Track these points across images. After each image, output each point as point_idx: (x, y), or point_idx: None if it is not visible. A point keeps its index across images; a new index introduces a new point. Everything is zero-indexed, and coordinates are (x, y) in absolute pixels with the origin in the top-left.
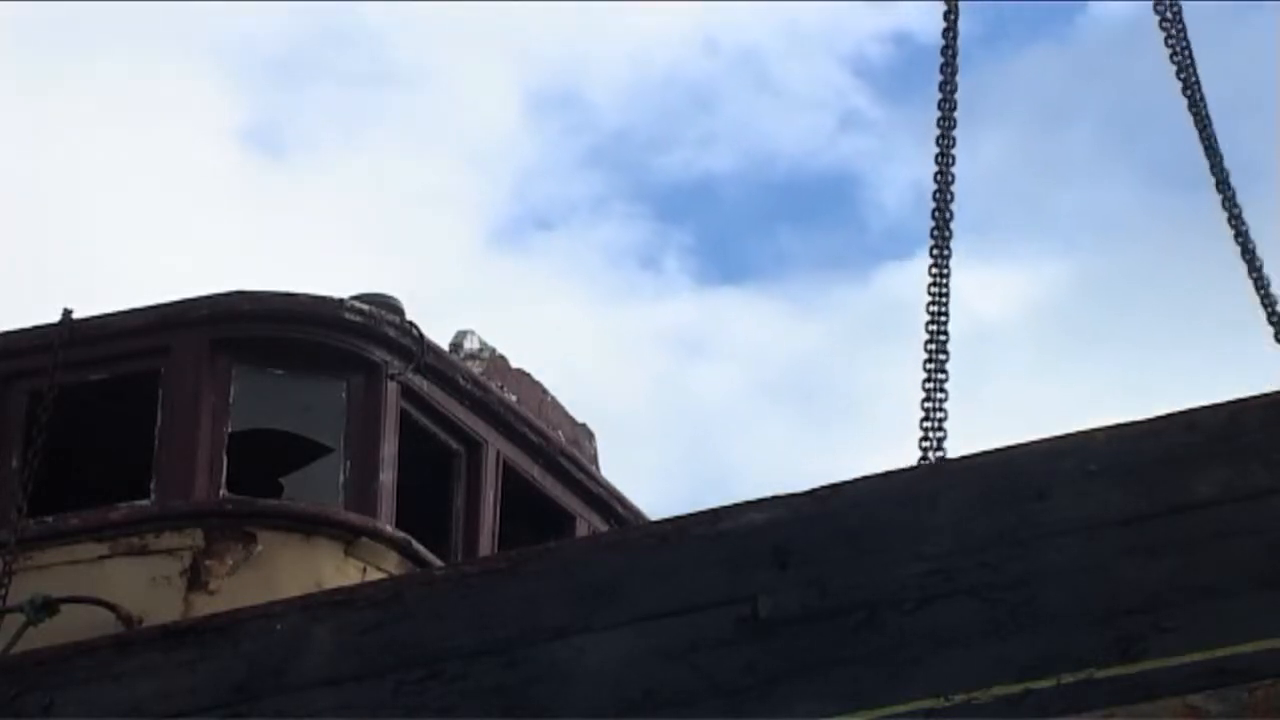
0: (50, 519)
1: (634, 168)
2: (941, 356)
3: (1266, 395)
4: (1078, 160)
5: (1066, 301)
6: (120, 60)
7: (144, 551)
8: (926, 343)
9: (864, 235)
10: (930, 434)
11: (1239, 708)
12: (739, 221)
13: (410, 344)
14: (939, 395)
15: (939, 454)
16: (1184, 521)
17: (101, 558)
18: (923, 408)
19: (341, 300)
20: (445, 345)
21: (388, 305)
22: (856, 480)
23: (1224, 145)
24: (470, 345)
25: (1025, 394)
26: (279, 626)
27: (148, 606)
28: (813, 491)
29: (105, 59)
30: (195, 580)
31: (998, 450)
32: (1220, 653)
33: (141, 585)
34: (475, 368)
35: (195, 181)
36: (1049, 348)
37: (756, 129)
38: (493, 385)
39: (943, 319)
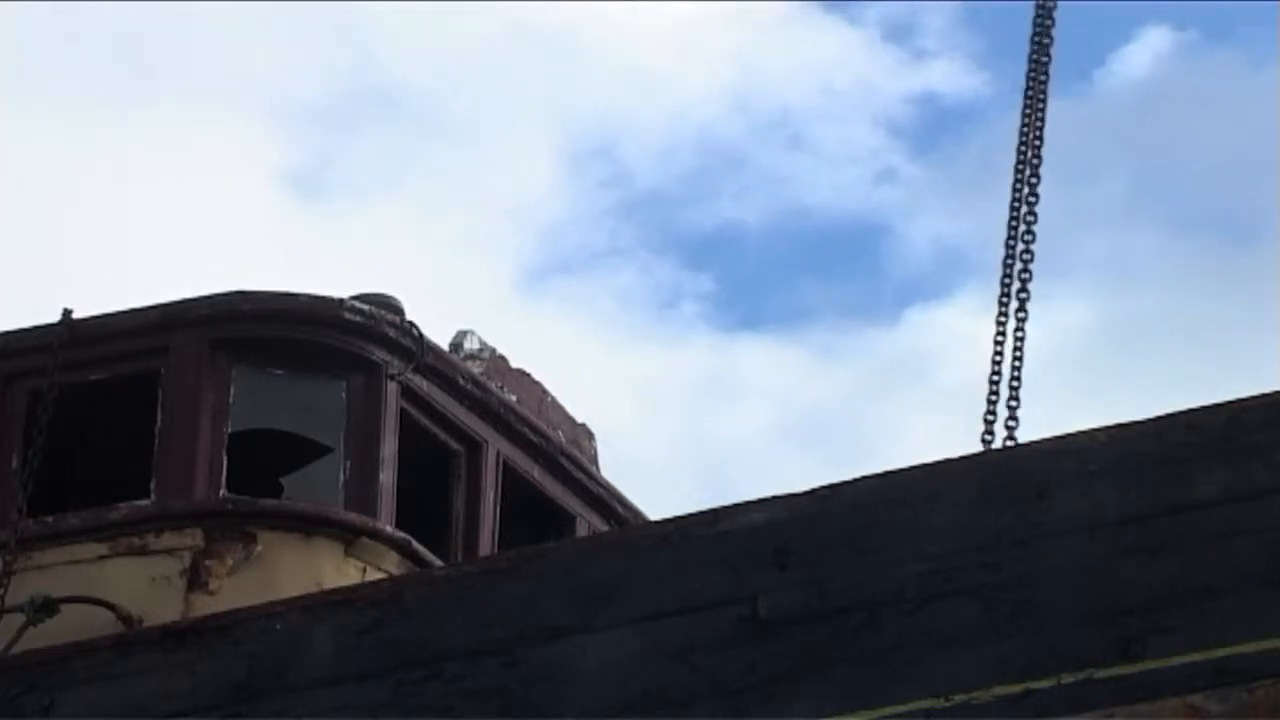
0: (50, 519)
1: (664, 219)
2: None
3: (1266, 395)
4: (1102, 210)
5: (1086, 347)
6: (173, 104)
7: (144, 551)
8: (1000, 314)
9: (886, 286)
10: (1002, 418)
11: (1239, 708)
12: (762, 270)
13: (410, 344)
14: (1014, 381)
15: (1008, 437)
16: (1184, 521)
17: (101, 558)
18: (991, 386)
19: (341, 300)
20: (445, 345)
21: (388, 305)
22: (856, 480)
23: (1238, 203)
24: (470, 345)
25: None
26: (279, 626)
27: (148, 606)
28: (813, 491)
29: (157, 102)
30: (195, 580)
31: (998, 450)
32: (1220, 653)
33: (141, 585)
34: (475, 368)
35: (235, 220)
36: (1067, 392)
37: (788, 185)
38: (493, 385)
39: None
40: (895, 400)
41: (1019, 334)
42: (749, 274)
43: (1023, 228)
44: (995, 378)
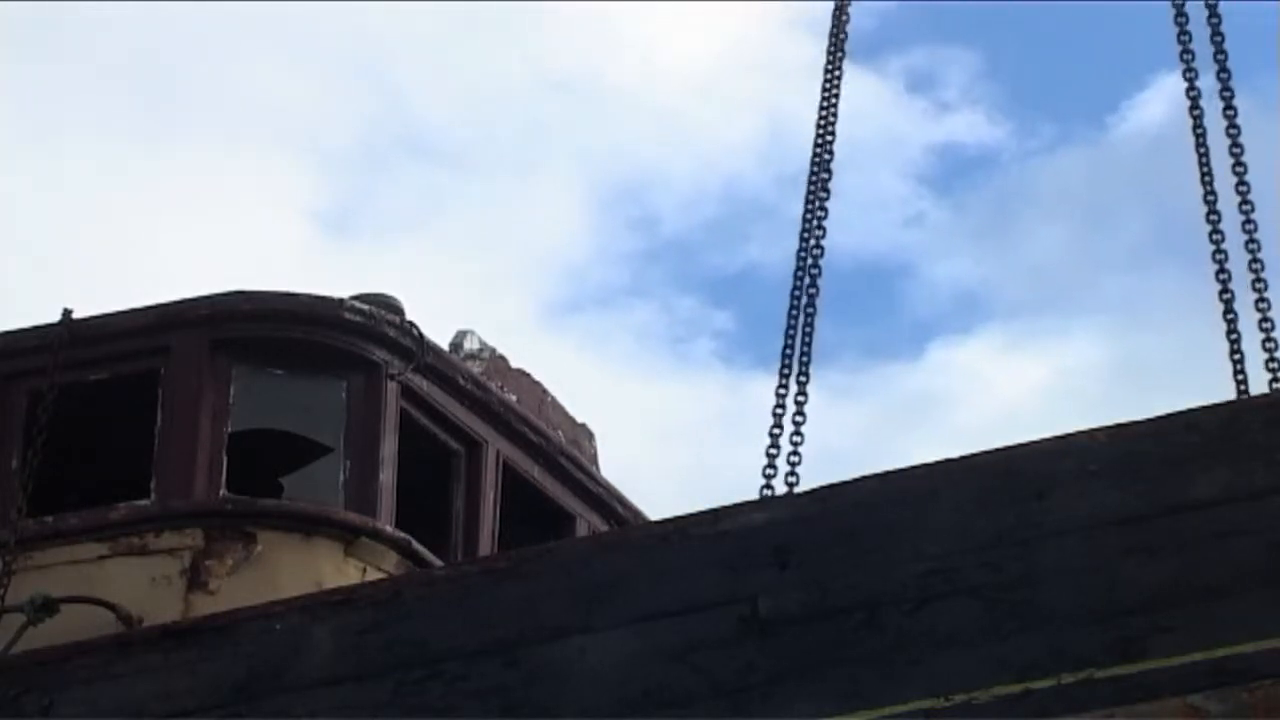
0: (50, 519)
1: (688, 262)
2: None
3: (1266, 395)
4: (1121, 253)
5: (1102, 385)
6: (211, 144)
7: (144, 551)
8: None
9: (904, 329)
10: (778, 463)
11: (1239, 708)
12: (783, 311)
13: (410, 344)
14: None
15: (791, 483)
16: (1184, 521)
17: (101, 558)
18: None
19: (341, 300)
20: (445, 345)
21: (388, 305)
22: (856, 480)
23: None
24: (470, 345)
25: None
26: (279, 626)
27: (148, 606)
28: (813, 491)
29: (196, 142)
30: (195, 580)
31: (998, 450)
32: (1220, 653)
33: (141, 585)
34: (475, 368)
35: (264, 253)
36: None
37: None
38: (493, 385)
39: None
40: (908, 440)
41: (801, 385)
42: (769, 314)
43: (806, 280)
44: (776, 431)
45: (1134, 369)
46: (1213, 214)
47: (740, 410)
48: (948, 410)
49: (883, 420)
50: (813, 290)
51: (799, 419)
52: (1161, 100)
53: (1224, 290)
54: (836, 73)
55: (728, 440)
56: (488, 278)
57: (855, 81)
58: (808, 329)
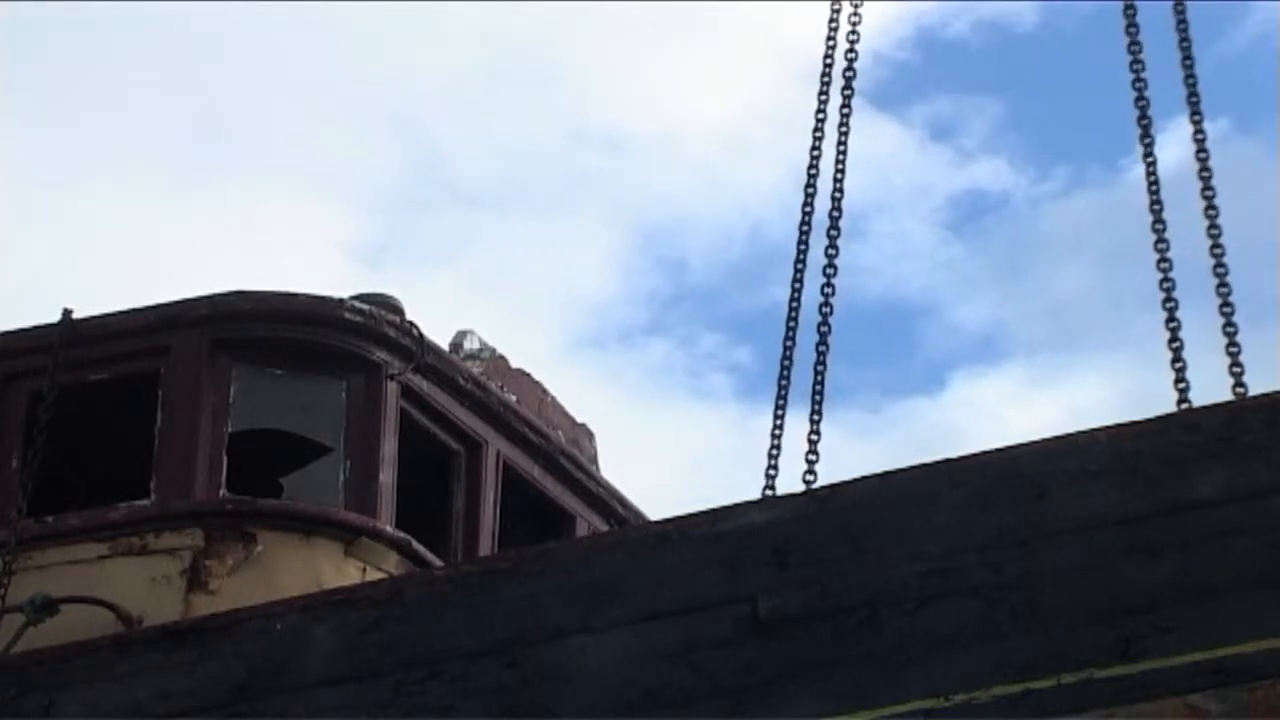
0: (50, 519)
1: (712, 303)
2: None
3: (1266, 395)
4: (1141, 294)
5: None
6: (257, 183)
7: (144, 551)
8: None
9: (916, 370)
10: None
11: (1239, 708)
12: (803, 350)
13: (410, 344)
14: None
15: (810, 480)
16: (1184, 521)
17: (101, 558)
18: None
19: (341, 300)
20: (445, 345)
21: (388, 305)
22: (856, 480)
23: (1265, 284)
24: (470, 345)
25: None
26: (279, 626)
27: (148, 606)
28: (813, 491)
29: (241, 180)
30: (195, 580)
31: (998, 450)
32: (1220, 653)
33: (141, 585)
34: (475, 368)
35: (296, 281)
36: None
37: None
38: (493, 385)
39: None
40: None
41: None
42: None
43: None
44: (777, 433)
45: (1148, 407)
46: (1156, 202)
47: (755, 445)
48: (965, 448)
49: (894, 460)
50: (828, 290)
51: (815, 418)
52: (1176, 144)
53: (1165, 278)
54: (844, 127)
55: (745, 475)
56: (514, 314)
57: (880, 130)
58: (824, 329)
